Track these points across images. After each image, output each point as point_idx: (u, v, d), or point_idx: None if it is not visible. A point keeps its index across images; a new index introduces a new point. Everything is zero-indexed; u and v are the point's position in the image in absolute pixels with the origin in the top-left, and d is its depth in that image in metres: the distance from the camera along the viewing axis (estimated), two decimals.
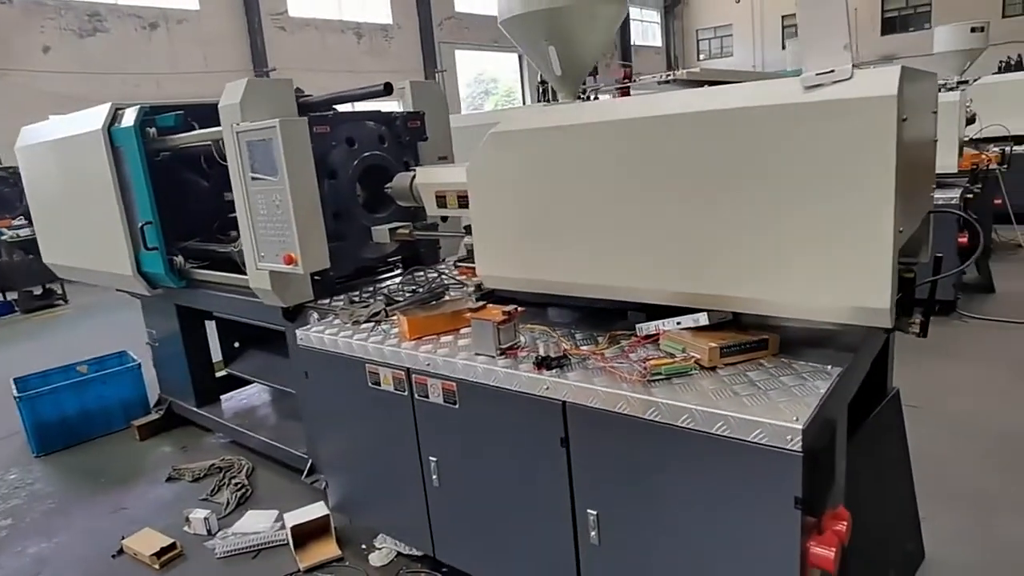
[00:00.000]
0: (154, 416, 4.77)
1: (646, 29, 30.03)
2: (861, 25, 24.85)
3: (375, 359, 2.63)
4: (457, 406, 2.38)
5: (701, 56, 30.37)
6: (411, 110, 3.79)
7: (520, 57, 24.74)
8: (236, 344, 4.49)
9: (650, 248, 2.12)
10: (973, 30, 8.90)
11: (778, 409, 1.71)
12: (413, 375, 2.50)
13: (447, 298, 2.88)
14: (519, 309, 2.38)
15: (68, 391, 4.69)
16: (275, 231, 3.05)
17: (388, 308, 2.88)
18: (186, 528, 3.50)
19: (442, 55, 21.44)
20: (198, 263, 3.99)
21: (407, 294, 3.09)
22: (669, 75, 2.49)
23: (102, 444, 4.73)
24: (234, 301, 3.78)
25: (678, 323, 2.18)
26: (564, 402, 2.07)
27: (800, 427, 1.63)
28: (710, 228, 1.98)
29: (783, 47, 26.83)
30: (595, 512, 2.09)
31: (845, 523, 1.79)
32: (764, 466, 1.70)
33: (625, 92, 3.00)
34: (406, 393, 2.55)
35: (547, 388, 2.10)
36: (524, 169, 2.35)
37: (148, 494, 3.97)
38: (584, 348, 2.27)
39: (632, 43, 27.94)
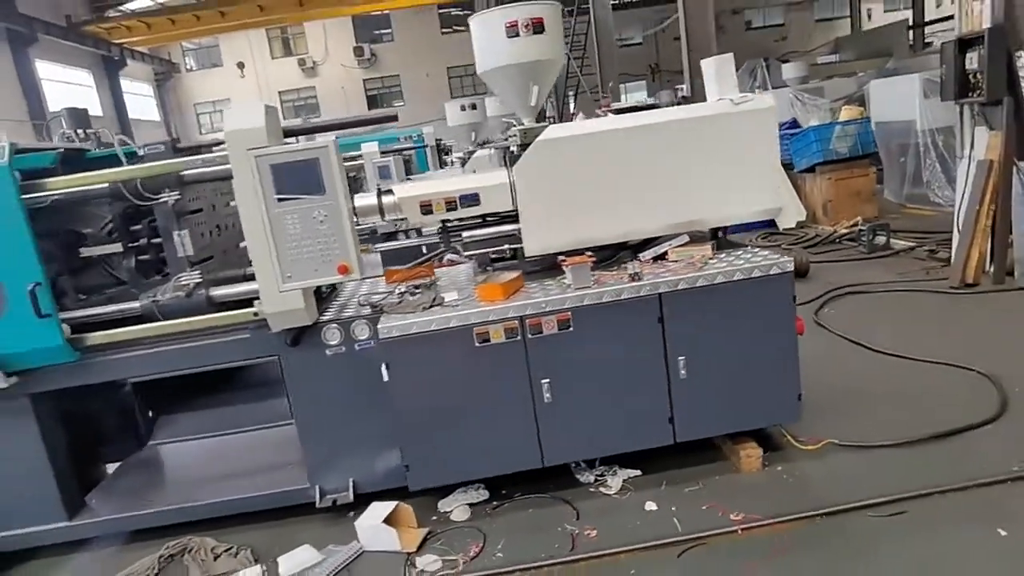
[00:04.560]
0: None
1: (144, 103, 28.36)
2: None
3: (483, 320, 3.30)
4: (571, 329, 3.34)
5: (203, 129, 30.25)
6: None
7: None
8: (150, 413, 3.81)
9: (649, 200, 3.56)
10: None
11: (773, 259, 3.42)
12: (527, 320, 3.31)
13: (489, 273, 3.67)
14: (590, 255, 3.48)
15: None
16: (316, 247, 3.26)
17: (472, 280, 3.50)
18: None
19: None
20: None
21: (415, 291, 3.70)
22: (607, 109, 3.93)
23: None
24: (174, 353, 3.48)
25: (679, 243, 3.68)
26: (660, 294, 3.35)
27: (790, 260, 3.38)
28: (682, 183, 3.56)
29: (283, 119, 29.08)
30: (683, 357, 3.42)
31: (801, 320, 3.61)
32: (778, 284, 3.38)
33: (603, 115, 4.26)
34: (518, 338, 3.33)
35: (647, 288, 3.34)
36: (562, 163, 3.49)
37: None
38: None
39: (129, 116, 26.09)
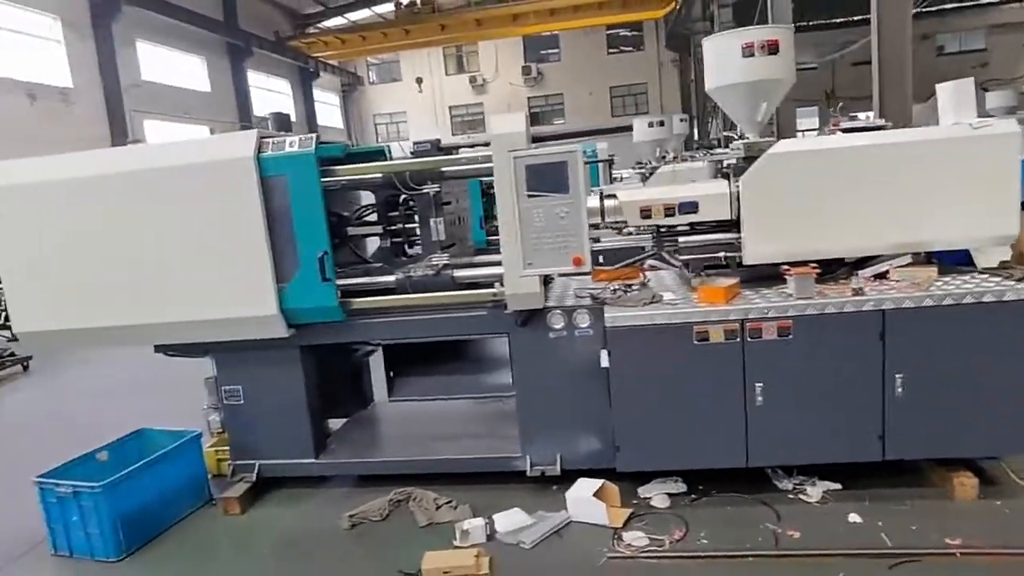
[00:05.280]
0: (245, 485, 4.26)
1: (330, 111, 31.36)
2: None
3: (704, 320, 3.52)
4: (791, 337, 3.47)
5: (379, 139, 32.79)
6: None
7: (211, 131, 23.62)
8: (391, 374, 4.44)
9: (875, 218, 3.60)
10: None
11: (1007, 285, 3.36)
12: (747, 323, 3.49)
13: (703, 277, 3.89)
14: (814, 267, 3.60)
15: (146, 474, 3.94)
16: (555, 240, 3.65)
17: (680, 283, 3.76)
18: (456, 542, 3.58)
19: (134, 124, 19.39)
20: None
21: (632, 289, 3.98)
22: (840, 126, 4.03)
23: (188, 531, 4.05)
24: (421, 323, 3.99)
25: (901, 263, 3.69)
26: (883, 310, 3.40)
27: None
28: (912, 204, 3.56)
29: (452, 133, 30.97)
30: (901, 375, 3.44)
31: None
32: (1011, 311, 3.31)
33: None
34: (737, 340, 3.51)
35: (871, 303, 3.40)
36: (792, 177, 3.64)
37: (353, 549, 3.71)
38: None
39: (318, 124, 28.87)
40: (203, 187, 3.80)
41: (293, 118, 27.70)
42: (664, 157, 8.63)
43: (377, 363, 5.21)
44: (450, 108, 32.16)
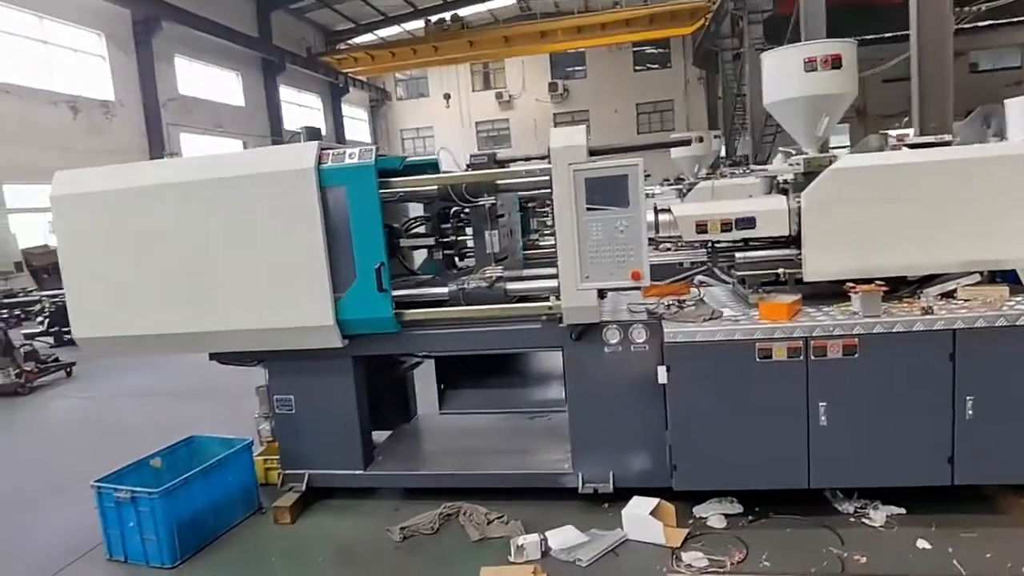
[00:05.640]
0: (295, 495, 4.25)
1: (358, 126, 31.80)
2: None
3: (768, 336, 3.46)
4: (856, 356, 3.40)
5: (405, 153, 33.13)
6: None
7: (244, 144, 24.01)
8: (442, 386, 4.43)
9: (943, 235, 3.53)
10: None
11: None
12: (812, 341, 3.43)
13: (761, 294, 3.83)
14: (880, 284, 3.53)
15: (201, 481, 3.95)
16: (615, 254, 3.62)
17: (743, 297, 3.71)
18: (511, 558, 3.54)
19: (170, 137, 19.80)
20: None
21: (688, 304, 3.93)
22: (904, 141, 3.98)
23: (241, 540, 4.05)
24: (474, 335, 3.98)
25: (969, 281, 3.61)
26: (954, 330, 3.31)
27: None
28: (982, 221, 3.48)
29: (478, 148, 31.15)
30: (972, 397, 3.34)
31: None
32: None
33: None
34: (800, 358, 3.45)
35: (941, 322, 3.32)
36: (856, 192, 3.58)
37: (407, 561, 3.68)
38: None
39: (346, 137, 29.25)
40: (263, 197, 3.84)
41: (323, 132, 28.33)
42: (699, 172, 8.58)
43: (419, 376, 5.22)
44: (476, 124, 32.44)
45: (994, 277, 3.82)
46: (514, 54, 28.95)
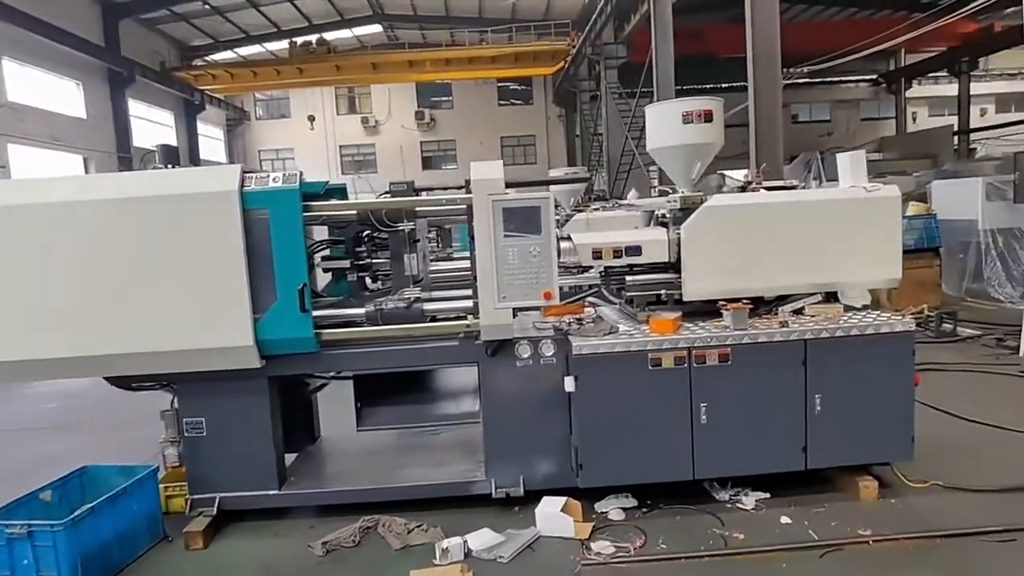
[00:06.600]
0: (206, 519, 4.17)
1: (214, 145, 30.18)
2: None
3: (658, 347, 4.00)
4: (730, 363, 4.02)
5: None
6: None
7: (85, 160, 22.17)
8: (359, 404, 4.51)
9: (793, 262, 4.29)
10: None
11: (896, 319, 4.11)
12: (694, 351, 4.01)
13: (648, 311, 4.38)
14: (747, 302, 4.19)
15: (107, 512, 3.79)
16: (528, 276, 4.01)
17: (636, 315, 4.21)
18: (436, 561, 3.75)
19: None
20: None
21: (590, 322, 4.42)
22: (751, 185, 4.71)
23: (150, 570, 3.92)
24: (393, 353, 4.21)
25: (813, 300, 4.38)
26: (805, 340, 4.04)
27: (912, 320, 4.07)
28: (820, 251, 4.28)
29: (342, 172, 30.83)
30: (819, 395, 4.08)
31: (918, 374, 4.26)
32: (901, 340, 4.05)
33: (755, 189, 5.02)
34: (685, 365, 4.01)
35: (795, 334, 4.04)
36: (725, 227, 4.25)
37: (334, 574, 3.77)
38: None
39: (201, 157, 27.75)
40: (183, 218, 3.85)
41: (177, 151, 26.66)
42: (572, 205, 9.29)
43: (322, 398, 5.30)
44: (341, 147, 32.03)
45: (831, 297, 4.64)
46: (381, 81, 29.08)
